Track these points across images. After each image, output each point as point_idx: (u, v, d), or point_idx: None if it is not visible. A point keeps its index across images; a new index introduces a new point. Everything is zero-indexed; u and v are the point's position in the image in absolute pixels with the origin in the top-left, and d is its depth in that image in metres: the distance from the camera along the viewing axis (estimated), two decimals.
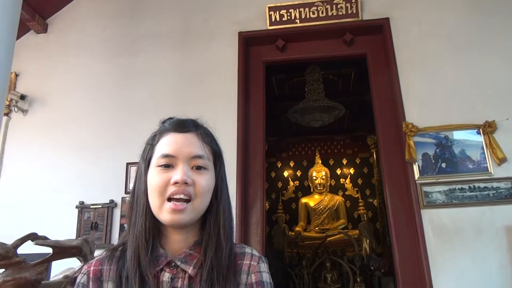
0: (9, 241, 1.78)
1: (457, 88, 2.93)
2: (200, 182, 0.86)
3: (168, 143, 0.88)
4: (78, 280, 0.88)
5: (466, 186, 2.70)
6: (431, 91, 2.96)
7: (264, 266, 0.89)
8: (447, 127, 2.84)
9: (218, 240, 0.86)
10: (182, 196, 0.83)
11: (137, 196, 0.90)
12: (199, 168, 0.87)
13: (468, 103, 2.88)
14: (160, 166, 0.86)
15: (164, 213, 0.84)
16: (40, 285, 1.75)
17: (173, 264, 0.86)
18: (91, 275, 0.87)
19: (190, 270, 0.85)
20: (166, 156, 0.86)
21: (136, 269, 0.82)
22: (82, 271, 0.89)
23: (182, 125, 0.91)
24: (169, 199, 0.84)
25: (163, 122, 0.95)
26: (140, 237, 0.85)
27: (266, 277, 0.88)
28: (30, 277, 1.69)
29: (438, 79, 2.98)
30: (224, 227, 0.88)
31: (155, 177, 0.85)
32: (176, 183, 0.83)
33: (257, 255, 0.91)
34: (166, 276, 0.84)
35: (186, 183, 0.83)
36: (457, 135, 2.83)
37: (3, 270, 1.73)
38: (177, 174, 0.84)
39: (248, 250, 0.92)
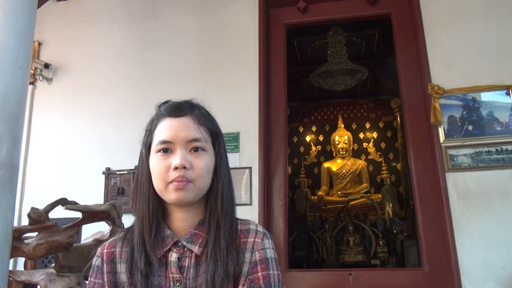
0: (40, 206, 1.85)
1: (486, 47, 2.81)
2: (198, 164, 0.89)
3: (164, 129, 0.91)
4: (93, 262, 0.93)
5: (493, 149, 2.64)
6: (459, 51, 2.85)
7: (268, 243, 0.91)
8: (474, 89, 2.75)
9: (219, 217, 0.89)
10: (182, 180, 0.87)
11: (140, 181, 0.94)
12: (196, 150, 0.90)
13: (498, 63, 2.77)
14: (159, 152, 0.89)
15: (169, 193, 0.87)
16: (72, 248, 1.82)
17: (180, 244, 0.89)
18: (104, 257, 0.92)
19: (196, 249, 0.88)
20: (163, 142, 0.89)
21: (142, 251, 0.87)
22: (97, 254, 0.94)
23: (177, 110, 0.93)
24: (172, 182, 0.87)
25: (159, 106, 0.98)
26: (144, 221, 0.89)
27: (271, 253, 0.90)
28: (62, 240, 1.77)
29: (466, 37, 2.86)
30: (223, 203, 0.91)
31: (156, 164, 0.89)
32: (176, 168, 0.86)
33: (261, 231, 0.93)
34: (173, 256, 0.88)
35: (184, 167, 0.86)
36: (485, 96, 2.74)
37: (36, 233, 1.81)
38: (176, 159, 0.87)
39: (252, 226, 0.93)
